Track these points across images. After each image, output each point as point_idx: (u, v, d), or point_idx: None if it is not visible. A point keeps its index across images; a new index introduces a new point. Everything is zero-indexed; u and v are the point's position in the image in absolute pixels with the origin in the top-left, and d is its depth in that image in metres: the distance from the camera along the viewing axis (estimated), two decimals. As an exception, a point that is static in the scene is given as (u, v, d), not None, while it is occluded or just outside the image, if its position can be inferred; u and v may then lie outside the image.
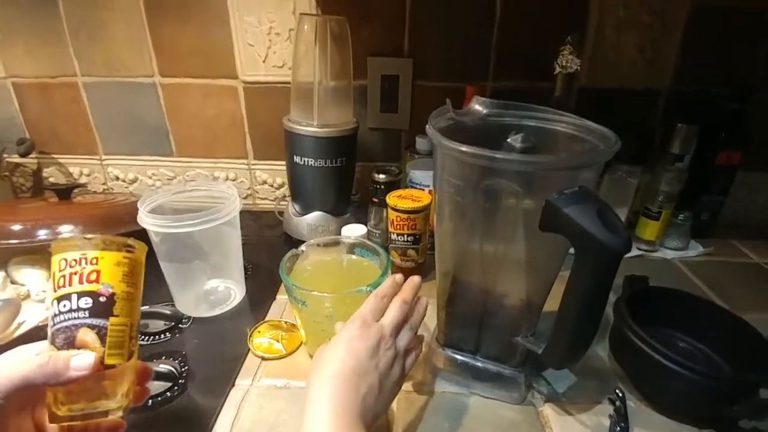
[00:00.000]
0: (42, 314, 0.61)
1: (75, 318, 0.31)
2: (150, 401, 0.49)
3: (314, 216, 0.79)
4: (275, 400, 0.50)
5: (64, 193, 0.77)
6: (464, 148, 0.38)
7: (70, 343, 0.31)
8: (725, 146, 0.78)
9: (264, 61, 0.84)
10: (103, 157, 0.95)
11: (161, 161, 0.95)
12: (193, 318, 0.62)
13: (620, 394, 0.49)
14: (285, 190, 0.96)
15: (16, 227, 0.67)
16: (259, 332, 0.59)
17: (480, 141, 0.38)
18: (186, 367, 0.54)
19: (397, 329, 0.41)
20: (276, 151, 0.92)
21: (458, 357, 0.51)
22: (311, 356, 0.56)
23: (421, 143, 0.80)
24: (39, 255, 0.70)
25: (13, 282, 0.67)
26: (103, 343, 0.32)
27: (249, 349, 0.57)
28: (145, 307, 0.63)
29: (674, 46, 0.80)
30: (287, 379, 0.53)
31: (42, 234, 0.67)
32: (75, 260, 0.32)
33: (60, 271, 0.32)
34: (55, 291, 0.32)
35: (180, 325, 0.61)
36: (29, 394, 0.31)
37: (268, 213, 0.92)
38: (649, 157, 0.74)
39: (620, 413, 0.47)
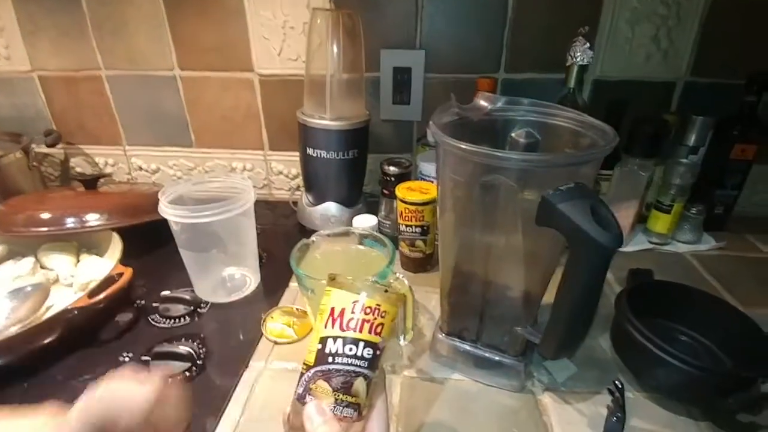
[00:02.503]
0: (69, 298, 0.65)
1: (357, 366, 0.31)
2: (170, 380, 0.52)
3: (327, 206, 0.81)
4: (286, 381, 0.53)
5: (90, 183, 0.81)
6: (463, 146, 0.39)
7: (346, 389, 0.31)
8: (740, 140, 0.76)
9: (279, 55, 0.86)
10: (127, 147, 0.99)
11: (182, 152, 0.98)
12: (211, 303, 0.66)
13: (619, 385, 0.50)
14: (300, 180, 0.98)
15: (46, 216, 0.71)
16: (272, 318, 0.62)
17: (484, 136, 0.40)
18: (204, 349, 0.57)
19: None
20: (291, 142, 0.94)
21: (460, 345, 0.53)
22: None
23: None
24: (67, 242, 0.74)
25: (42, 267, 0.71)
26: (366, 394, 0.32)
27: (262, 334, 0.60)
28: (166, 292, 0.67)
29: (690, 37, 0.79)
30: (298, 363, 0.55)
31: (70, 222, 0.71)
32: (371, 308, 0.32)
33: (352, 311, 0.32)
34: (343, 329, 0.32)
35: (199, 310, 0.64)
36: None
37: (283, 203, 0.95)
38: (662, 149, 0.74)
39: (618, 404, 0.48)
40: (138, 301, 0.66)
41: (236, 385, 0.52)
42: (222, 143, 0.97)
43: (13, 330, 0.57)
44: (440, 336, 0.55)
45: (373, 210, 0.81)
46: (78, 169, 1.03)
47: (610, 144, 0.38)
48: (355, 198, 0.84)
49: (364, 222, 0.73)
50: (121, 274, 0.61)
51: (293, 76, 0.87)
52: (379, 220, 0.77)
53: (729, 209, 0.82)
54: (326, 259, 0.60)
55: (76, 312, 0.56)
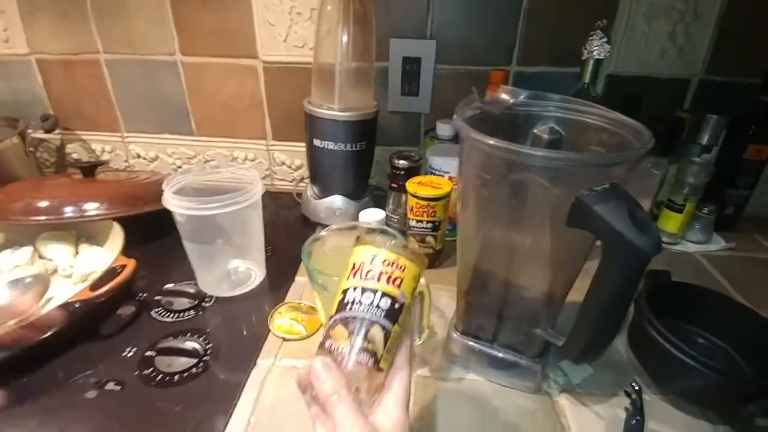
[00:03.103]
0: (69, 290, 0.63)
1: (373, 314, 0.33)
2: (176, 377, 0.51)
3: (332, 199, 0.80)
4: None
5: (89, 170, 0.79)
6: (492, 141, 0.38)
7: (363, 335, 0.32)
8: (755, 140, 0.75)
9: (284, 41, 0.83)
10: (125, 134, 0.96)
11: (181, 140, 0.95)
12: (216, 297, 0.64)
13: (637, 388, 0.49)
14: (303, 171, 0.96)
15: (44, 204, 0.68)
16: (279, 313, 0.60)
17: (506, 131, 0.38)
18: (210, 345, 0.55)
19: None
20: (295, 132, 0.92)
21: (476, 345, 0.52)
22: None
23: (442, 128, 0.79)
24: (66, 231, 0.71)
25: (41, 257, 0.69)
26: (384, 345, 0.33)
27: (269, 330, 0.58)
28: (170, 285, 0.65)
29: (707, 34, 0.77)
30: (308, 360, 0.54)
31: (69, 211, 0.68)
32: (389, 262, 0.34)
33: (371, 263, 0.34)
34: (362, 278, 0.34)
35: (203, 304, 0.62)
36: None
37: (285, 194, 0.93)
38: (676, 148, 0.73)
39: (636, 406, 0.48)
40: (140, 294, 0.64)
41: (245, 383, 0.51)
42: (223, 132, 0.94)
43: (12, 323, 0.55)
44: (455, 335, 0.53)
45: (378, 203, 0.80)
46: (74, 156, 1.00)
47: (647, 144, 0.36)
48: (361, 191, 0.82)
49: (372, 216, 0.71)
50: (123, 266, 0.59)
51: (299, 64, 0.85)
52: (386, 215, 0.76)
53: (740, 209, 0.81)
54: (336, 254, 0.58)
55: (78, 305, 0.54)
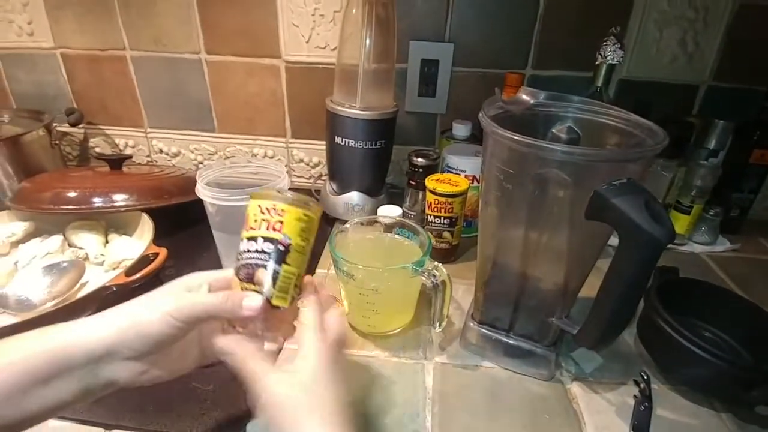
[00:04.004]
0: (102, 276, 0.66)
1: (257, 258, 0.36)
2: (209, 358, 0.53)
3: (351, 195, 0.82)
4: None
5: (116, 163, 0.81)
6: (517, 137, 0.40)
7: (250, 278, 0.36)
8: (760, 144, 0.78)
9: (307, 42, 0.86)
10: (148, 130, 0.99)
11: (203, 136, 0.98)
12: (240, 286, 0.66)
13: (645, 377, 0.51)
14: (321, 169, 0.99)
15: (73, 194, 0.71)
16: (302, 303, 0.63)
17: (525, 130, 0.41)
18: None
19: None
20: (313, 131, 0.95)
21: (492, 334, 0.55)
22: (351, 325, 0.60)
23: (458, 129, 0.82)
24: (95, 221, 0.74)
25: (70, 245, 0.72)
26: (274, 285, 0.36)
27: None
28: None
29: (716, 42, 0.80)
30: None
31: (98, 202, 0.71)
32: (267, 209, 0.37)
33: (254, 215, 0.37)
34: (246, 230, 0.37)
35: (228, 292, 0.65)
36: (204, 323, 0.38)
37: (304, 191, 0.95)
38: (685, 151, 0.75)
39: (645, 394, 0.50)
40: (168, 282, 0.66)
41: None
42: (244, 129, 0.97)
43: (50, 305, 0.58)
44: (471, 324, 0.56)
45: (394, 201, 0.82)
46: (98, 150, 1.03)
47: (663, 142, 0.39)
48: (378, 188, 0.85)
49: (389, 212, 0.74)
50: (156, 254, 0.62)
51: (320, 65, 0.88)
52: (404, 211, 0.78)
53: (745, 212, 0.84)
54: (359, 246, 0.61)
55: (114, 289, 0.56)
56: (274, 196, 0.37)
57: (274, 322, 0.39)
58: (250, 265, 0.36)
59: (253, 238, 0.36)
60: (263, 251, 0.36)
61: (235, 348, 0.36)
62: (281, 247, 0.36)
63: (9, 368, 0.31)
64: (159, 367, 0.37)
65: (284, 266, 0.36)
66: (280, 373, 0.35)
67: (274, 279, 0.36)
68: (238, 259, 0.37)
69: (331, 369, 0.36)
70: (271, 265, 0.36)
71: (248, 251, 0.36)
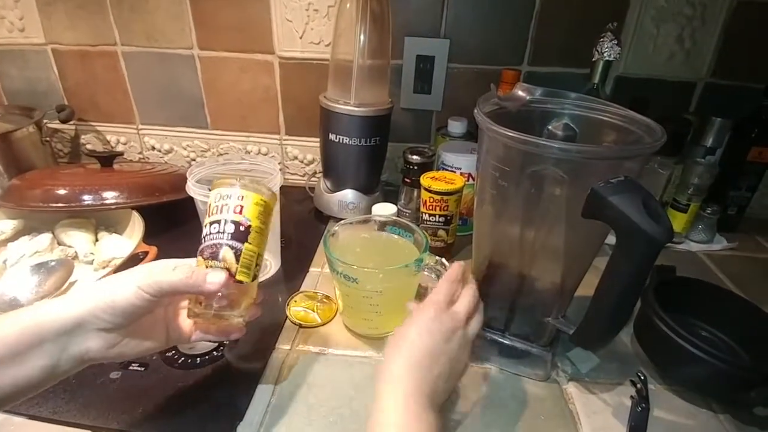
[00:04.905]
0: (92, 275, 0.65)
1: (221, 238, 0.39)
2: (198, 359, 0.52)
3: (345, 193, 0.81)
4: (313, 364, 0.53)
5: (107, 160, 0.80)
6: (512, 134, 0.39)
7: (215, 256, 0.39)
8: (757, 142, 0.78)
9: (301, 37, 0.85)
10: (140, 126, 0.98)
11: (196, 133, 0.97)
12: (232, 285, 0.65)
13: (642, 377, 0.51)
14: (315, 166, 0.98)
15: (63, 191, 0.70)
16: (295, 302, 0.62)
17: (521, 127, 0.40)
18: (229, 330, 0.57)
19: (469, 316, 0.44)
20: (308, 128, 0.93)
21: (488, 334, 0.54)
22: (347, 327, 0.59)
23: (453, 126, 0.81)
24: (84, 219, 0.73)
25: (59, 243, 0.70)
26: (237, 262, 0.39)
27: (287, 317, 0.60)
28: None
29: (713, 39, 0.79)
30: (322, 347, 0.56)
31: (88, 199, 0.70)
32: (227, 195, 0.40)
33: (215, 201, 0.40)
34: (209, 216, 0.40)
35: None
36: (171, 297, 0.41)
37: (297, 188, 0.94)
38: (682, 149, 0.75)
39: (642, 395, 0.49)
40: (159, 281, 0.65)
41: (265, 366, 0.53)
42: (238, 126, 0.96)
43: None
44: (467, 324, 0.55)
45: (389, 198, 0.81)
46: (89, 146, 1.01)
47: (661, 139, 0.38)
48: (373, 186, 0.84)
49: (384, 210, 0.73)
50: (146, 253, 0.61)
51: (314, 60, 0.87)
52: (398, 209, 0.77)
53: (742, 211, 0.83)
54: (354, 246, 0.60)
55: (102, 289, 0.55)
56: (233, 183, 0.40)
57: (236, 297, 0.40)
58: (215, 244, 0.39)
59: (216, 221, 0.39)
60: (225, 231, 0.39)
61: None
62: (242, 228, 0.39)
63: None
64: (126, 342, 0.39)
65: (246, 245, 0.39)
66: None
67: (237, 256, 0.39)
68: (202, 242, 0.40)
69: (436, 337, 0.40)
70: (234, 243, 0.39)
71: (211, 233, 0.39)
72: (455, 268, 0.47)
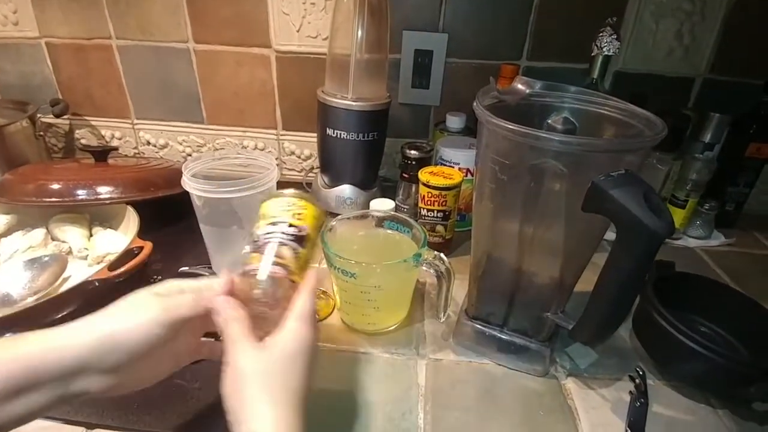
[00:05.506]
0: (86, 270, 0.64)
1: (282, 236, 0.39)
2: (194, 355, 0.52)
3: (343, 189, 0.81)
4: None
5: (101, 155, 0.79)
6: (512, 126, 0.39)
7: (275, 252, 0.38)
8: (756, 138, 0.77)
9: (298, 31, 0.84)
10: (135, 121, 0.97)
11: (192, 128, 0.96)
12: (229, 281, 0.65)
13: (641, 372, 0.51)
14: (312, 161, 0.97)
15: (57, 186, 0.69)
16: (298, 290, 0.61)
17: (520, 121, 0.39)
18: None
19: None
20: (305, 123, 0.93)
21: (486, 329, 0.54)
22: (345, 323, 0.58)
23: (452, 121, 0.80)
24: (79, 214, 0.72)
25: (53, 239, 0.70)
26: (294, 262, 0.39)
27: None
28: (185, 268, 0.66)
29: (712, 35, 0.79)
30: (320, 343, 0.56)
31: (82, 194, 0.69)
32: (290, 203, 0.42)
33: (276, 208, 0.41)
34: (266, 219, 0.41)
35: (217, 287, 0.63)
36: (185, 327, 0.38)
37: (294, 184, 0.94)
38: (681, 144, 0.75)
39: (640, 390, 0.49)
40: (155, 277, 0.65)
41: (262, 362, 0.52)
42: (234, 121, 0.95)
43: (31, 300, 0.56)
44: (465, 320, 0.55)
45: (387, 194, 0.81)
46: (83, 141, 1.00)
47: (662, 132, 0.38)
48: (371, 181, 0.83)
49: (382, 206, 0.72)
50: (140, 248, 0.60)
51: (311, 54, 0.86)
52: (396, 204, 0.77)
53: (740, 207, 0.83)
54: (354, 243, 0.60)
55: (97, 284, 0.54)
56: (295, 194, 0.42)
57: (281, 301, 0.38)
58: (275, 242, 0.39)
59: (274, 223, 0.40)
60: (286, 232, 0.39)
61: (227, 309, 0.36)
62: (302, 233, 0.40)
63: None
64: (130, 379, 0.36)
65: (302, 249, 0.40)
66: (251, 345, 0.34)
67: (295, 256, 0.39)
68: (256, 240, 0.39)
69: (303, 355, 0.35)
70: (294, 244, 0.39)
71: (269, 233, 0.39)
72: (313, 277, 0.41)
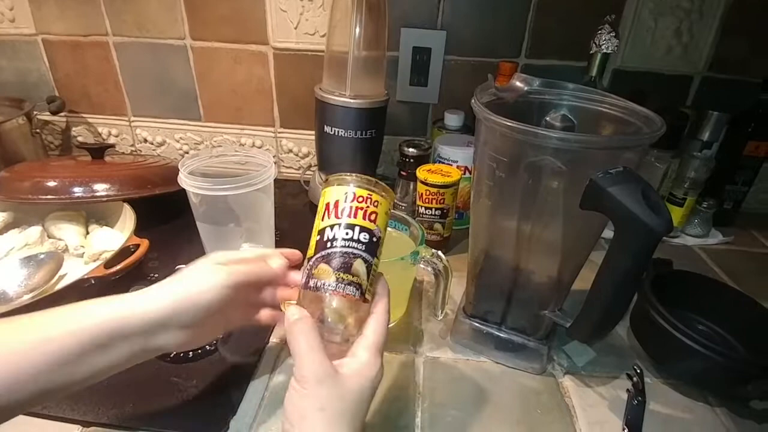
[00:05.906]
0: (82, 268, 0.63)
1: (354, 248, 0.34)
2: (191, 353, 0.51)
3: (341, 186, 0.80)
4: (308, 358, 0.53)
5: (97, 152, 0.79)
6: (510, 123, 0.39)
7: (346, 269, 0.33)
8: (754, 137, 0.77)
9: (295, 28, 0.84)
10: (132, 118, 0.97)
11: (189, 125, 0.96)
12: (226, 279, 0.64)
13: (638, 370, 0.51)
14: (310, 159, 0.97)
15: (53, 184, 0.68)
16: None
17: (519, 118, 0.39)
18: (222, 324, 0.56)
19: None
20: (303, 120, 0.92)
21: (484, 327, 0.54)
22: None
23: (450, 119, 0.80)
24: (75, 211, 0.72)
25: (50, 236, 0.69)
26: (368, 278, 0.34)
27: (281, 311, 0.59)
28: (181, 266, 0.65)
29: (711, 33, 0.79)
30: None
31: (78, 191, 0.68)
32: (363, 197, 0.34)
33: (345, 201, 0.34)
34: (338, 216, 0.34)
35: (213, 285, 0.63)
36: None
37: (292, 182, 0.93)
38: (679, 142, 0.74)
39: (638, 388, 0.49)
40: (151, 275, 0.65)
41: (259, 360, 0.52)
42: (231, 118, 0.94)
43: (27, 298, 0.56)
44: (463, 318, 0.55)
45: (385, 192, 0.81)
46: (80, 139, 1.00)
47: (660, 130, 0.38)
48: (369, 179, 0.83)
49: (380, 203, 0.72)
50: (137, 246, 0.60)
51: (309, 52, 0.85)
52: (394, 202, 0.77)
53: (738, 205, 0.83)
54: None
55: (93, 281, 0.54)
56: (369, 186, 0.35)
57: (351, 325, 0.35)
58: (347, 253, 0.33)
59: (350, 227, 0.34)
60: (359, 241, 0.34)
61: (297, 321, 0.33)
62: (375, 239, 0.35)
63: (66, 338, 0.33)
64: (198, 335, 0.39)
65: (375, 259, 0.35)
66: (323, 370, 0.32)
67: (368, 270, 0.34)
68: (327, 246, 0.34)
69: (371, 390, 0.33)
70: (368, 256, 0.34)
71: (341, 239, 0.34)
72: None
